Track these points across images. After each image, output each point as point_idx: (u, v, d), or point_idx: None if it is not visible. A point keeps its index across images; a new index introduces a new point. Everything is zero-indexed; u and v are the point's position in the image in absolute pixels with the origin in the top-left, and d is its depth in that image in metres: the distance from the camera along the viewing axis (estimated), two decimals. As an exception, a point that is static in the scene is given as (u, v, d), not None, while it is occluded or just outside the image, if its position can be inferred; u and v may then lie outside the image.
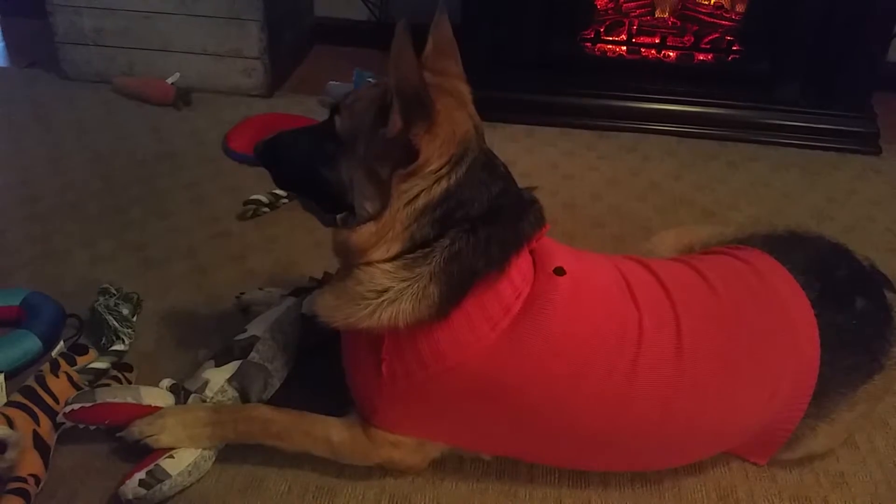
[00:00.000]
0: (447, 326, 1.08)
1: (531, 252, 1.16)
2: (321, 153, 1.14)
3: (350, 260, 1.13)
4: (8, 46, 2.98)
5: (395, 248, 1.09)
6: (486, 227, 1.08)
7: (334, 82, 2.58)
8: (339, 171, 1.12)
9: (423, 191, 1.07)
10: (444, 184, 1.07)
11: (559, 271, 1.14)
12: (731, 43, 2.56)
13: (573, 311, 1.12)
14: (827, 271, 1.26)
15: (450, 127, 1.07)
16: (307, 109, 2.49)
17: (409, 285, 1.07)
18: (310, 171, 1.15)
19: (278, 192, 1.96)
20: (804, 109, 2.47)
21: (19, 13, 3.08)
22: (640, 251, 1.43)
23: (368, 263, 1.10)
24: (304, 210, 1.90)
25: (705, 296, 1.20)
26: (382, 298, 1.08)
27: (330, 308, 1.14)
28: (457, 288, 1.07)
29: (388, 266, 1.09)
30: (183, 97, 2.51)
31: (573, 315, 1.12)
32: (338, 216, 1.15)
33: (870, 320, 1.23)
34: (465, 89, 1.19)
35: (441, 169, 1.07)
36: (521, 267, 1.12)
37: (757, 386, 1.16)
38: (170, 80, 2.54)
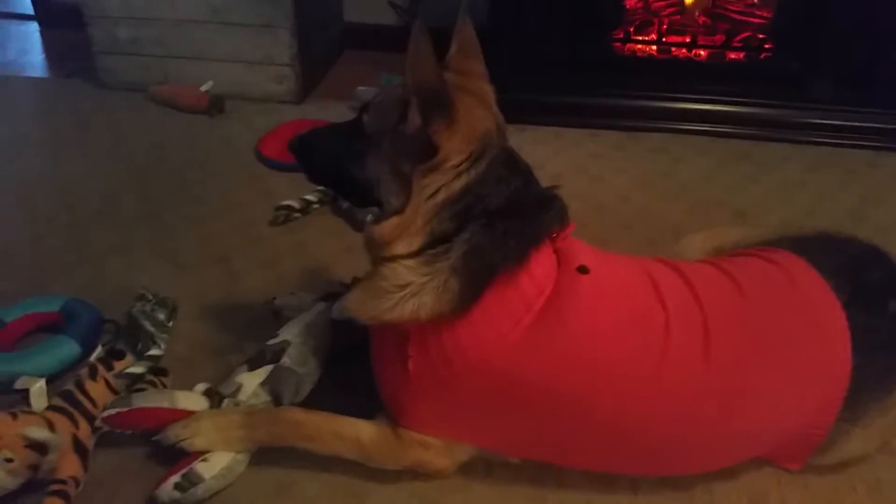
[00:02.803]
0: (468, 321, 1.10)
1: (556, 252, 1.17)
2: (350, 150, 1.19)
3: (376, 254, 1.17)
4: (48, 57, 3.05)
5: (417, 243, 1.12)
6: (504, 221, 1.10)
7: (364, 88, 2.60)
8: (366, 168, 1.16)
9: (443, 186, 1.10)
10: (463, 179, 1.10)
11: (583, 270, 1.14)
12: (762, 41, 2.52)
13: (597, 309, 1.13)
14: (859, 273, 1.25)
15: (470, 124, 1.10)
16: (338, 115, 2.46)
17: (429, 280, 1.10)
18: (340, 166, 1.20)
19: (310, 197, 1.99)
20: (838, 108, 2.43)
21: (59, 25, 3.17)
22: (670, 254, 1.42)
23: (392, 259, 1.13)
24: (334, 216, 1.92)
25: (733, 298, 1.20)
26: (405, 292, 1.11)
27: (357, 303, 1.18)
28: (476, 282, 1.09)
29: (410, 262, 1.12)
30: (216, 104, 2.55)
31: (597, 313, 1.13)
32: (369, 215, 1.19)
33: (904, 323, 1.21)
34: (488, 89, 1.21)
35: (461, 165, 1.10)
36: (542, 263, 1.13)
37: (786, 389, 1.15)
38: (203, 88, 2.58)
